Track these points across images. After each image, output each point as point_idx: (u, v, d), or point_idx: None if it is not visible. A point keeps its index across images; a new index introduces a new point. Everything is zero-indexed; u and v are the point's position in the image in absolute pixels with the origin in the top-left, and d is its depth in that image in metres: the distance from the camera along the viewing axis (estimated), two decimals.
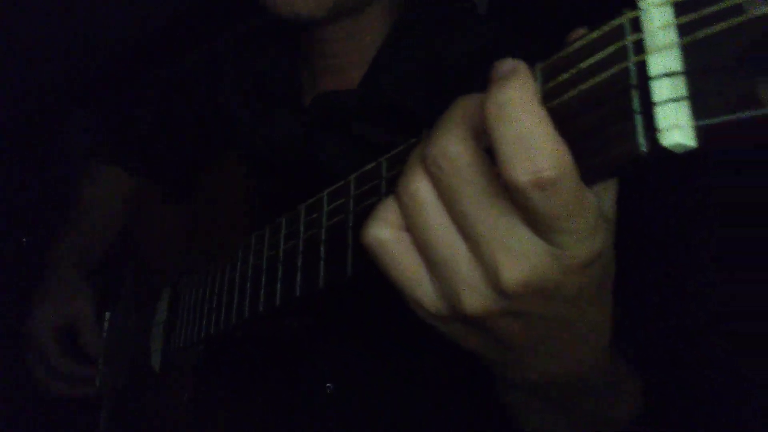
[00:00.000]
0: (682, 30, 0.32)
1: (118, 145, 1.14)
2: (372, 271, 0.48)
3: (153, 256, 0.99)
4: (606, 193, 0.39)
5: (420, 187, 0.38)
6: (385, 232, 0.40)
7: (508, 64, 0.36)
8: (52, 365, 0.97)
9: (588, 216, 0.35)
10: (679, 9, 0.33)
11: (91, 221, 1.06)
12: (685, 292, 0.70)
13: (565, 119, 0.36)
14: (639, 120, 0.32)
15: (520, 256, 0.35)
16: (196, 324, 0.75)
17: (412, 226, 0.39)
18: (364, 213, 0.50)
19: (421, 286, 0.40)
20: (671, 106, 0.32)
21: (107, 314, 1.02)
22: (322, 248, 0.54)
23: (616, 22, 0.35)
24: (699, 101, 0.31)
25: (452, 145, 0.37)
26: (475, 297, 0.37)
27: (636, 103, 0.33)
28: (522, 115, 0.33)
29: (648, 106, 0.32)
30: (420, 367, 0.81)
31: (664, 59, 0.32)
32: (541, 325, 0.39)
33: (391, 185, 0.48)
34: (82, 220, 1.06)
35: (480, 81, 0.85)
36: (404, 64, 0.85)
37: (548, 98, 0.37)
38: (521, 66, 0.35)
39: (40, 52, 1.50)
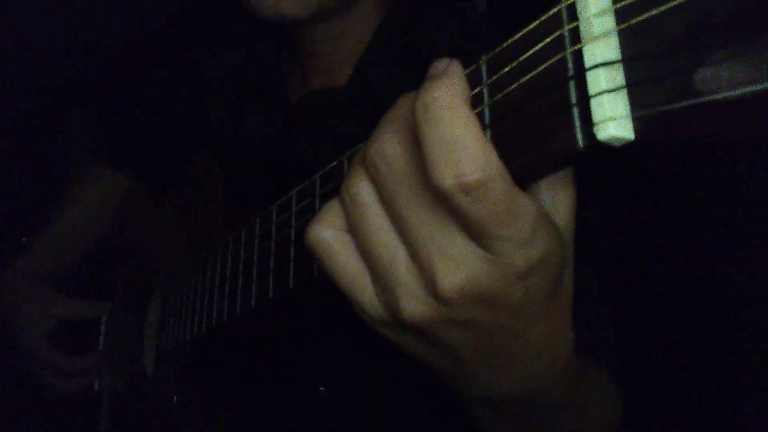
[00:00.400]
0: (620, 16, 0.31)
1: (112, 145, 1.14)
2: None
3: (145, 258, 0.99)
4: (560, 200, 0.38)
5: (360, 189, 0.37)
6: (326, 232, 0.40)
7: (442, 63, 0.35)
8: (59, 368, 0.98)
9: (522, 223, 0.33)
10: None
11: (69, 227, 1.06)
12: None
13: (507, 113, 0.35)
14: (576, 113, 0.31)
15: (457, 262, 0.34)
16: (182, 326, 0.75)
17: (353, 229, 0.39)
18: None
19: (362, 290, 0.39)
20: (608, 97, 0.30)
21: (103, 317, 1.02)
22: (291, 249, 0.54)
23: (553, 10, 0.33)
24: (637, 91, 0.30)
25: (389, 146, 0.36)
26: (413, 303, 0.36)
27: (573, 96, 0.31)
28: (447, 117, 0.32)
29: (584, 98, 0.31)
30: (411, 367, 0.80)
31: (600, 48, 0.31)
32: (486, 335, 0.38)
33: None
34: (57, 227, 1.06)
35: None
36: (391, 62, 0.84)
37: (492, 92, 0.36)
38: (453, 66, 0.34)
39: (40, 52, 1.51)
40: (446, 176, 0.32)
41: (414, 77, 0.81)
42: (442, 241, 0.35)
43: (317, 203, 0.51)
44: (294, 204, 0.55)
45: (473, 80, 0.37)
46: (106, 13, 1.48)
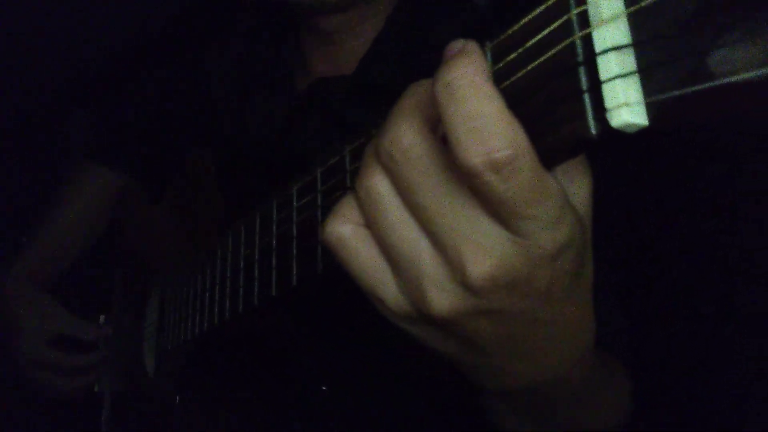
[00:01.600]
0: None
1: (108, 143, 1.13)
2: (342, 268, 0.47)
3: (142, 258, 0.98)
4: (577, 186, 0.37)
5: (376, 182, 0.36)
6: (344, 228, 0.38)
7: (457, 44, 0.34)
8: (63, 366, 0.97)
9: (550, 202, 0.32)
10: None
11: (64, 226, 1.05)
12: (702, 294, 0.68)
13: (515, 101, 0.34)
14: (587, 99, 0.30)
15: (486, 248, 0.33)
16: (182, 325, 0.74)
17: (371, 223, 0.37)
18: (331, 207, 0.49)
19: (384, 285, 0.38)
20: (620, 82, 0.29)
21: (102, 317, 1.01)
22: (294, 245, 0.53)
23: None
24: (649, 76, 0.29)
25: (405, 135, 0.34)
26: (441, 296, 0.35)
27: (584, 82, 0.31)
28: (471, 94, 0.31)
29: (596, 84, 0.30)
30: (414, 365, 0.80)
31: (610, 32, 0.30)
32: (513, 324, 0.37)
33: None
34: (52, 228, 1.05)
35: None
36: (399, 54, 0.83)
37: (499, 79, 0.35)
38: (471, 44, 0.33)
39: (40, 52, 1.49)
40: (475, 154, 0.30)
41: (421, 69, 0.81)
42: (468, 229, 0.33)
43: (319, 199, 0.51)
44: (295, 200, 0.54)
45: None
46: (107, 13, 1.47)
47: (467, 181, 0.32)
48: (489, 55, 0.36)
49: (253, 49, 0.97)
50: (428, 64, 0.87)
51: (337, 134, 0.85)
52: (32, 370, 0.95)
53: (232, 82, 0.98)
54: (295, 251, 0.53)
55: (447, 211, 0.34)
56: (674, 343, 0.64)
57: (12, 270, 1.00)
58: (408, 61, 0.83)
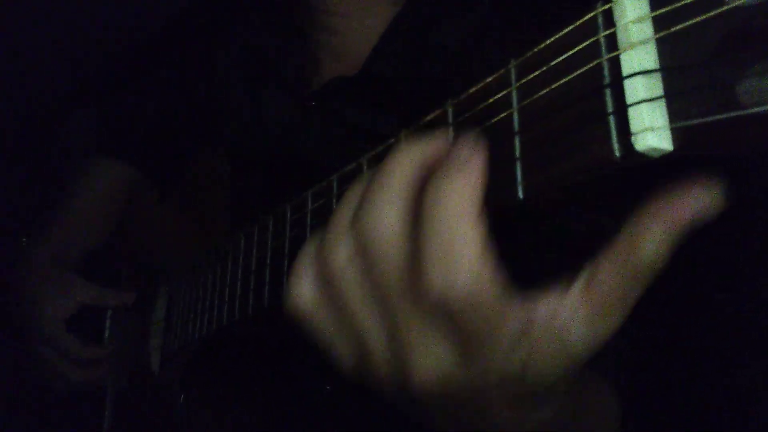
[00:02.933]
0: (658, 23, 0.30)
1: (117, 136, 1.13)
2: None
3: (149, 254, 0.98)
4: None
5: (346, 265, 0.36)
6: (304, 299, 0.38)
7: (467, 149, 0.33)
8: (75, 355, 0.96)
9: (504, 336, 0.32)
10: (655, 0, 0.30)
11: (80, 217, 1.04)
12: None
13: (537, 119, 0.34)
14: (612, 122, 0.30)
15: (435, 361, 0.33)
16: (191, 324, 0.74)
17: (331, 297, 0.37)
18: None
19: (340, 351, 0.38)
20: (646, 106, 0.29)
21: (108, 313, 1.01)
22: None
23: (588, 15, 0.33)
24: (676, 101, 0.29)
25: (387, 221, 0.34)
26: (382, 384, 0.36)
27: (609, 104, 0.31)
28: (454, 220, 0.31)
29: (622, 107, 0.30)
30: None
31: (638, 56, 0.30)
32: (452, 419, 0.38)
33: None
34: (69, 216, 1.04)
35: (469, 65, 0.82)
36: (404, 52, 0.83)
37: (522, 96, 0.35)
38: (477, 158, 0.33)
39: (40, 52, 1.50)
40: (437, 282, 0.31)
41: (426, 68, 0.80)
42: (422, 337, 0.34)
43: (334, 203, 0.51)
44: (309, 203, 0.54)
45: (500, 83, 0.37)
46: (107, 13, 1.47)
47: (427, 297, 0.32)
48: (514, 71, 0.36)
49: (263, 45, 0.97)
50: (433, 64, 0.87)
51: (343, 136, 0.85)
52: (45, 350, 0.94)
53: (244, 80, 0.97)
54: None
55: (408, 313, 0.34)
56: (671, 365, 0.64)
57: (35, 250, 0.99)
58: (413, 60, 0.82)
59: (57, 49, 1.45)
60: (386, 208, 0.34)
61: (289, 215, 0.57)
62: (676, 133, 0.29)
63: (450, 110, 0.40)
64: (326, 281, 0.37)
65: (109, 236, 1.05)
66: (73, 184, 1.06)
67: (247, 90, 0.96)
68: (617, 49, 0.31)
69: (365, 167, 0.48)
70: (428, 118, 0.42)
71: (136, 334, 0.93)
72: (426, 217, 0.32)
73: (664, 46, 0.30)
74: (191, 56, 1.09)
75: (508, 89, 0.36)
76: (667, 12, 0.30)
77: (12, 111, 1.52)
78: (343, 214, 0.37)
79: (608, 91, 0.31)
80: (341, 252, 0.36)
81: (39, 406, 1.10)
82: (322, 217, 0.52)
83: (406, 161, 0.35)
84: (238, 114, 0.96)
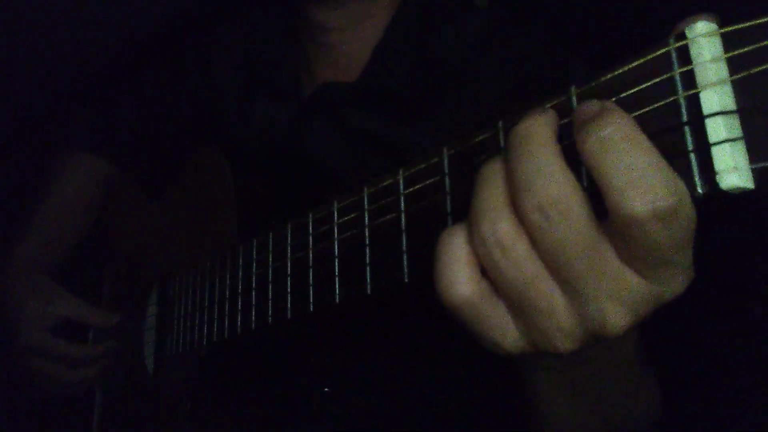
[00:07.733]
0: (733, 64, 0.31)
1: (92, 131, 1.09)
2: (394, 289, 0.47)
3: (135, 254, 0.96)
4: None
5: (516, 242, 0.36)
6: (468, 291, 0.37)
7: (594, 105, 0.34)
8: (66, 355, 0.92)
9: (690, 248, 0.34)
10: (728, 41, 0.31)
11: (55, 215, 1.00)
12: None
13: None
14: (694, 159, 0.31)
15: (627, 303, 0.35)
16: (195, 331, 0.73)
17: (498, 278, 0.37)
18: (381, 229, 0.49)
19: (505, 334, 0.38)
20: (728, 146, 0.31)
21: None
22: (336, 264, 0.53)
23: (660, 50, 0.33)
24: (754, 142, 0.30)
25: (562, 187, 0.34)
26: (569, 341, 0.37)
27: (689, 142, 0.32)
28: (629, 147, 0.32)
29: (704, 145, 0.31)
30: (416, 368, 0.81)
31: (717, 96, 0.31)
32: None
33: (409, 202, 0.47)
34: (45, 215, 1.00)
35: (474, 72, 0.83)
36: (406, 56, 0.84)
37: None
38: (610, 104, 0.34)
39: (41, 51, 1.45)
40: (639, 203, 0.31)
41: (428, 72, 0.81)
42: (611, 284, 0.34)
43: (366, 219, 0.50)
44: (336, 217, 0.54)
45: (561, 111, 0.37)
46: (107, 13, 1.43)
47: (619, 232, 0.33)
48: (575, 100, 0.37)
49: (258, 50, 0.96)
50: (431, 69, 0.88)
51: (343, 138, 0.85)
52: (30, 357, 0.91)
53: (238, 83, 0.97)
54: (337, 270, 0.52)
55: (593, 267, 0.34)
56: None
57: (14, 254, 0.95)
58: (412, 66, 0.83)
59: (57, 49, 1.41)
60: (550, 170, 0.34)
61: (311, 228, 0.56)
62: (756, 173, 0.30)
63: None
64: (492, 263, 0.36)
65: (88, 230, 1.02)
66: (46, 181, 1.03)
67: (240, 95, 0.96)
68: (695, 87, 0.32)
69: (402, 183, 0.48)
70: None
71: (125, 334, 0.90)
72: (603, 155, 0.32)
73: (740, 87, 0.31)
74: (189, 57, 1.07)
75: (571, 118, 0.36)
76: (741, 54, 0.31)
77: (12, 111, 1.47)
78: (492, 195, 0.36)
79: (687, 129, 0.32)
80: (505, 228, 0.36)
81: (26, 408, 1.07)
82: (352, 231, 0.51)
83: (545, 128, 0.36)
84: (230, 116, 0.95)
